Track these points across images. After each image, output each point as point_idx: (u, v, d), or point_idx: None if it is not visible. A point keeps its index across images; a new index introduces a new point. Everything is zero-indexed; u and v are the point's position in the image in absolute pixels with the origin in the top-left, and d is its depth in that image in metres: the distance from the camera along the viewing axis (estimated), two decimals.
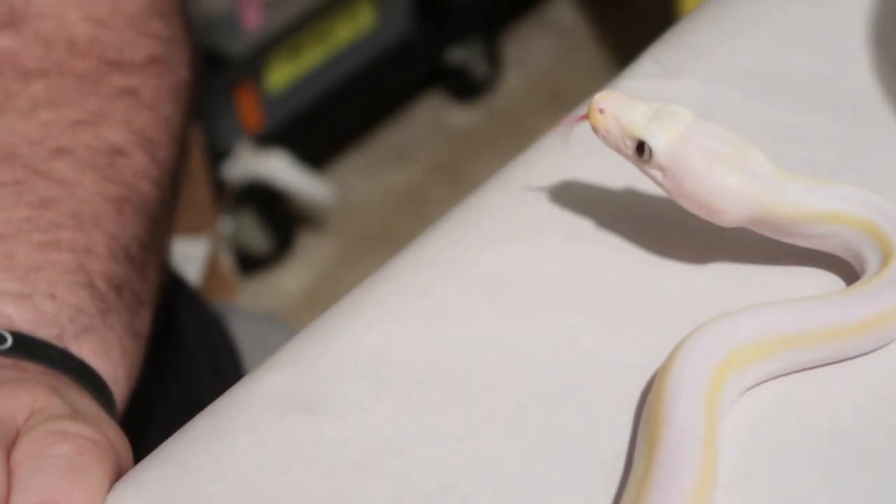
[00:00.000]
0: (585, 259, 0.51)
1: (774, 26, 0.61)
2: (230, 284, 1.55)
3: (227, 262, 1.59)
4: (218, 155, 1.61)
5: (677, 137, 0.47)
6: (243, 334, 0.84)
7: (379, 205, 1.77)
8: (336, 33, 1.70)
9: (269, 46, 1.63)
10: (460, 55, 1.88)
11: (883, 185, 0.50)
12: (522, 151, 0.56)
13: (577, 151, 0.53)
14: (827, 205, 0.47)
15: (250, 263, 1.68)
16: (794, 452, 0.43)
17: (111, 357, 0.55)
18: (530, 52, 1.99)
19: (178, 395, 0.72)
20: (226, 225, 1.62)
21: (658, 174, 0.47)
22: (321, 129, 1.74)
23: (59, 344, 0.53)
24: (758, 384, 0.45)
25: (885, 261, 0.46)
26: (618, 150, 0.48)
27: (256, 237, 1.67)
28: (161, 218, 0.62)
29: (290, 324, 1.04)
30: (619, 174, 0.52)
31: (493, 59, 1.93)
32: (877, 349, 0.46)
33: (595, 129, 0.48)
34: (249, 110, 1.63)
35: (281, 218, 1.69)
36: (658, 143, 0.47)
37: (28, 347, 0.52)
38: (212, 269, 1.47)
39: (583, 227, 0.52)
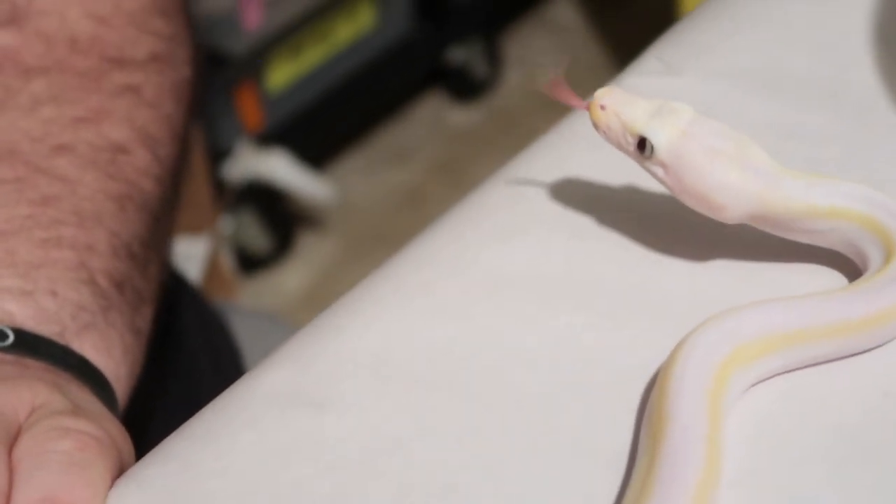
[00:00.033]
0: (587, 256, 0.51)
1: (776, 25, 0.61)
2: (230, 284, 1.55)
3: (228, 262, 1.59)
4: (218, 154, 1.61)
5: (679, 134, 0.47)
6: (244, 333, 0.84)
7: (379, 204, 1.77)
8: (336, 33, 1.70)
9: (269, 46, 1.63)
10: (461, 55, 1.88)
11: (886, 183, 0.50)
12: (523, 151, 0.56)
13: (577, 148, 0.53)
14: (829, 201, 0.47)
15: (250, 263, 1.68)
16: (799, 449, 0.43)
17: (113, 354, 0.55)
18: (530, 51, 1.99)
19: (178, 394, 0.72)
20: (226, 224, 1.62)
21: (659, 171, 0.47)
22: (321, 129, 1.74)
23: (61, 341, 0.53)
24: (762, 381, 0.45)
25: (887, 257, 0.46)
26: (619, 146, 0.48)
27: (257, 237, 1.67)
28: (163, 215, 0.62)
29: (290, 323, 1.04)
30: (620, 171, 0.52)
31: (494, 59, 1.93)
32: (881, 345, 0.46)
33: (596, 126, 0.48)
34: (250, 110, 1.63)
35: (281, 217, 1.69)
36: (659, 139, 0.47)
37: (30, 344, 0.52)
38: (212, 268, 1.47)
39: (584, 224, 0.52)
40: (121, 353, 0.56)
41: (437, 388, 0.47)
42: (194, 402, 0.51)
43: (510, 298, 0.49)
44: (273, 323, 0.91)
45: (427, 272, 0.51)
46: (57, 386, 0.50)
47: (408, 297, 0.50)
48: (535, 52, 1.98)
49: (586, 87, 0.50)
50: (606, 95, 0.48)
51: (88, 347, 0.54)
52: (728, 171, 0.46)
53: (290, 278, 1.68)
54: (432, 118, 1.89)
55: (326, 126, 1.74)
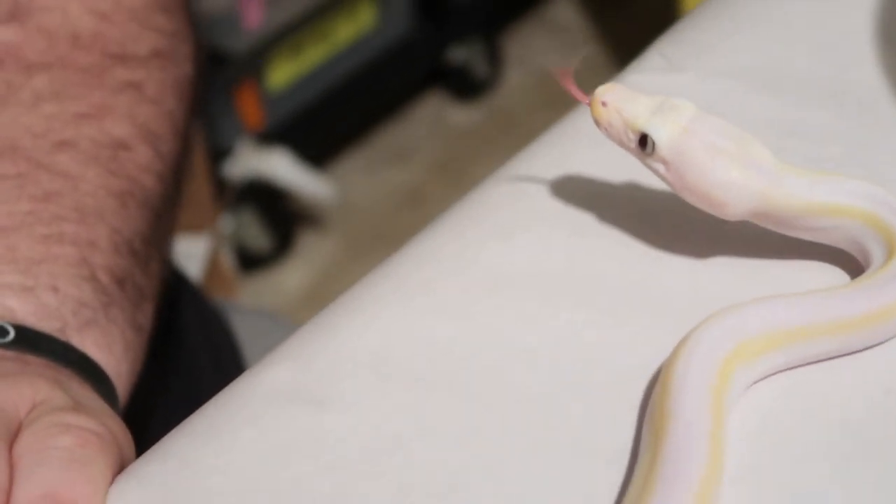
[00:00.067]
0: (588, 254, 0.51)
1: (776, 24, 0.61)
2: (231, 283, 1.55)
3: (228, 261, 1.59)
4: (219, 153, 1.61)
5: (680, 131, 0.47)
6: (244, 332, 0.84)
7: (379, 203, 1.77)
8: (337, 32, 1.70)
9: (269, 45, 1.63)
10: (461, 54, 1.88)
11: (888, 180, 0.49)
12: (523, 150, 0.56)
13: (579, 145, 0.53)
14: (831, 198, 0.47)
15: (251, 262, 1.68)
16: (802, 445, 0.43)
17: (113, 351, 0.55)
18: (530, 51, 1.99)
19: (179, 391, 0.72)
20: (226, 223, 1.62)
21: (661, 167, 0.47)
22: (322, 128, 1.74)
23: (62, 337, 0.53)
24: (765, 377, 0.45)
25: (889, 254, 0.46)
26: (620, 143, 0.48)
27: (257, 235, 1.67)
28: (164, 212, 0.62)
29: (290, 322, 1.04)
30: (621, 168, 0.52)
31: (494, 59, 1.93)
32: (884, 342, 0.46)
33: (598, 123, 0.48)
34: (250, 109, 1.63)
35: (281, 216, 1.69)
36: (661, 136, 0.47)
37: (30, 340, 0.52)
38: (212, 267, 1.47)
39: (585, 221, 0.52)
40: (122, 349, 0.56)
41: (437, 387, 0.46)
42: (195, 399, 0.51)
43: (511, 297, 0.49)
44: (273, 322, 0.91)
45: (427, 270, 0.51)
46: (58, 382, 0.50)
47: (408, 295, 0.50)
48: (535, 52, 1.98)
49: (586, 86, 0.49)
50: (608, 92, 0.48)
51: (89, 344, 0.54)
52: (730, 168, 0.46)
53: (291, 277, 1.68)
54: (432, 118, 1.89)
55: (327, 125, 1.74)
